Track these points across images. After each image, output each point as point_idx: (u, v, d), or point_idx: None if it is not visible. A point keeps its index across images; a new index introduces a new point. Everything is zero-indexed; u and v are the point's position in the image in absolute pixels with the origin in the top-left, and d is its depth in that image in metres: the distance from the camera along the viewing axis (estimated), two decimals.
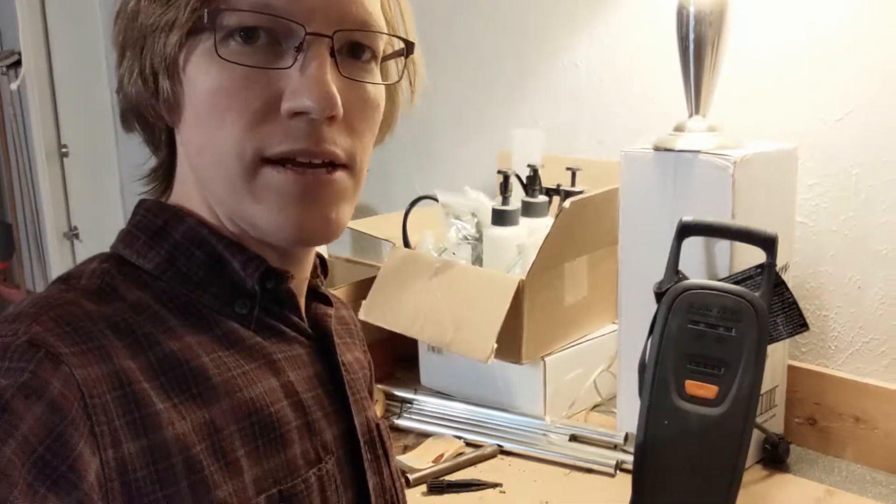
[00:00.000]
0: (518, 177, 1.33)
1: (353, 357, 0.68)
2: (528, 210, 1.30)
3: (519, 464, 1.12)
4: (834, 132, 1.14)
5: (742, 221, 1.00)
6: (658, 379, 0.94)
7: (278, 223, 0.53)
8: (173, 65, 0.53)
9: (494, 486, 1.05)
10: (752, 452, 1.09)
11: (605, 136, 1.43)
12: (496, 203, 1.30)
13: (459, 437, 1.19)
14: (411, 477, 1.06)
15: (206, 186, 0.56)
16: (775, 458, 1.10)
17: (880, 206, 1.11)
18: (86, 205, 2.70)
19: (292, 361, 0.59)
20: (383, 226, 1.41)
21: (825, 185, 1.16)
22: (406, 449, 1.17)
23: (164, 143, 0.60)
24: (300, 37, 0.52)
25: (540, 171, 1.31)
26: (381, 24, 0.56)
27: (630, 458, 1.03)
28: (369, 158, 0.58)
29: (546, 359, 1.23)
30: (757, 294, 0.93)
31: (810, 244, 1.17)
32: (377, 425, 0.66)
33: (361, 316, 1.28)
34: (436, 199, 1.35)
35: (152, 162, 0.62)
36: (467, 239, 1.32)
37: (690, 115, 1.09)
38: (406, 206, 1.35)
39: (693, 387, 0.92)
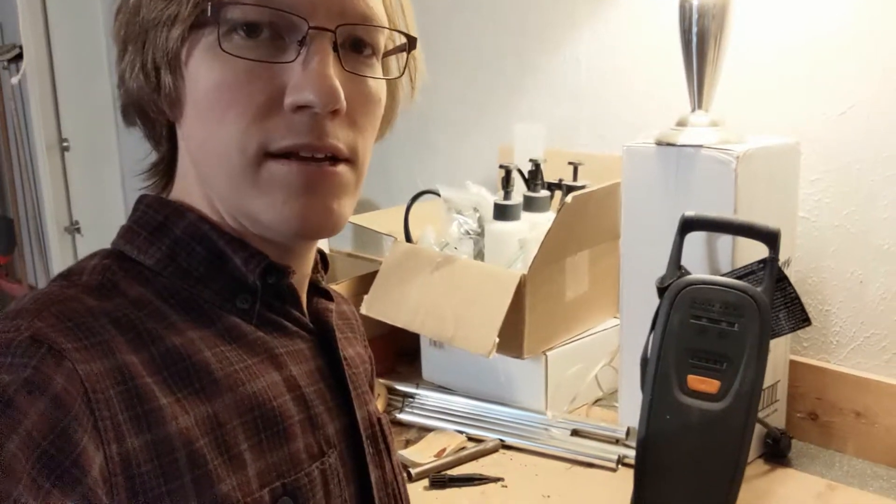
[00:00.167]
0: (520, 171, 1.33)
1: (355, 352, 0.68)
2: (530, 205, 1.30)
3: (521, 458, 1.12)
4: (836, 127, 1.14)
5: (744, 216, 1.00)
6: (660, 374, 0.94)
7: (282, 216, 0.53)
8: (175, 59, 0.53)
9: (496, 480, 1.06)
10: (754, 447, 1.09)
11: (606, 130, 1.43)
12: (498, 198, 1.30)
13: (461, 432, 1.19)
14: (413, 471, 1.06)
15: (207, 182, 0.56)
16: (777, 453, 1.10)
17: (882, 202, 1.11)
18: (87, 199, 2.70)
19: (294, 356, 0.59)
20: (385, 220, 1.41)
21: (827, 180, 1.16)
22: (408, 443, 1.17)
23: (164, 137, 0.60)
24: (303, 31, 0.52)
25: (542, 166, 1.31)
26: (383, 18, 0.56)
27: (632, 452, 1.03)
28: (370, 153, 0.58)
29: (548, 353, 1.23)
30: (759, 289, 0.93)
31: (812, 239, 1.17)
32: (378, 419, 0.66)
33: (363, 310, 1.29)
34: (437, 194, 1.35)
35: (153, 157, 0.62)
36: (469, 233, 1.32)
37: (693, 110, 1.08)
38: (408, 201, 1.35)
39: (695, 381, 0.92)
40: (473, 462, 1.11)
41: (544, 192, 1.32)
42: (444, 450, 1.14)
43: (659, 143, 1.07)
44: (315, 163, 0.53)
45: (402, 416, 1.24)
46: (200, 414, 0.51)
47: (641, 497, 0.94)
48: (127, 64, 0.56)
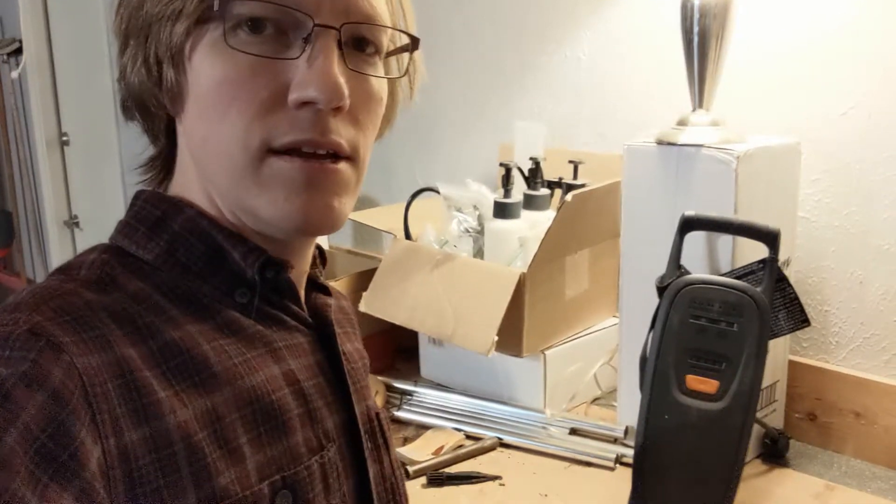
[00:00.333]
0: (520, 169, 1.33)
1: (353, 347, 0.68)
2: (530, 203, 1.30)
3: (519, 457, 1.12)
4: (837, 127, 1.13)
5: (744, 216, 1.00)
6: (659, 373, 0.94)
7: (283, 212, 0.53)
8: (178, 54, 0.53)
9: (494, 478, 1.06)
10: (752, 447, 1.09)
11: (606, 129, 1.42)
12: (498, 196, 1.29)
13: (459, 430, 1.19)
14: (411, 469, 1.06)
15: (207, 177, 0.56)
16: (775, 453, 1.10)
17: (882, 202, 1.11)
18: (86, 193, 2.69)
19: (293, 350, 0.59)
20: (384, 217, 1.41)
21: (827, 180, 1.15)
22: (406, 441, 1.17)
23: (163, 132, 0.60)
24: (308, 28, 0.52)
25: (542, 164, 1.31)
26: (387, 18, 0.56)
27: (630, 451, 1.03)
28: (370, 152, 0.59)
29: (546, 352, 1.23)
30: (759, 289, 0.93)
31: (812, 239, 1.17)
32: (377, 414, 0.66)
33: (362, 307, 1.28)
34: (437, 192, 1.35)
35: (150, 151, 0.62)
36: (469, 231, 1.32)
37: (693, 109, 1.08)
38: (407, 198, 1.35)
39: (694, 381, 0.92)
40: (471, 460, 1.11)
41: (544, 191, 1.32)
42: (441, 447, 1.14)
43: (659, 143, 1.07)
44: (317, 160, 0.53)
45: (401, 414, 1.24)
46: (199, 407, 0.51)
47: (640, 496, 0.94)
48: (129, 58, 0.56)
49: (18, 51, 2.62)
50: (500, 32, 1.55)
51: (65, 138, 2.64)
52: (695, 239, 1.01)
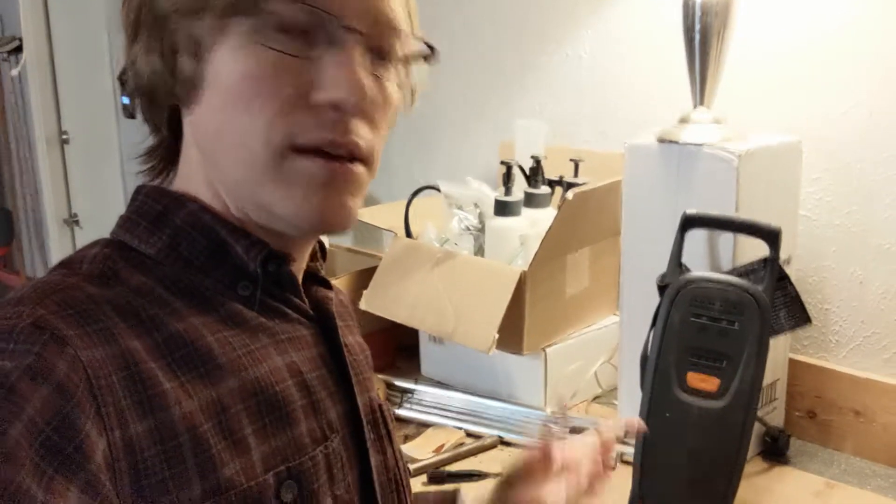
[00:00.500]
0: (521, 167, 1.33)
1: (354, 340, 0.68)
2: (531, 201, 1.30)
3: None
4: (838, 126, 1.14)
5: (745, 214, 1.00)
6: (660, 371, 0.94)
7: (300, 210, 0.54)
8: (199, 45, 0.53)
9: (495, 476, 1.05)
10: (752, 445, 1.09)
11: (607, 127, 1.42)
12: (499, 194, 1.30)
13: (460, 428, 1.19)
14: (412, 467, 1.06)
15: (218, 169, 0.56)
16: (775, 451, 1.10)
17: (883, 201, 1.11)
18: (86, 191, 2.69)
19: (296, 342, 0.59)
20: (385, 215, 1.41)
21: (828, 179, 1.15)
22: (407, 439, 1.17)
23: (166, 123, 0.59)
24: (335, 29, 0.52)
25: (543, 162, 1.31)
26: (406, 24, 0.57)
27: (631, 449, 1.03)
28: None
29: (547, 350, 1.23)
30: (760, 288, 0.93)
31: (813, 238, 1.17)
32: (380, 406, 0.67)
33: (362, 305, 1.29)
34: (438, 190, 1.35)
35: (150, 141, 0.62)
36: (469, 229, 1.32)
37: (695, 107, 1.08)
38: (408, 196, 1.35)
39: (695, 379, 0.92)
40: (472, 458, 1.11)
41: (545, 189, 1.32)
42: (442, 446, 1.14)
43: (661, 141, 1.07)
44: (337, 160, 0.54)
45: (401, 412, 1.24)
46: (204, 398, 0.51)
47: (641, 494, 0.95)
48: (141, 47, 0.55)
49: (18, 49, 2.62)
50: (501, 32, 1.55)
51: (65, 136, 2.63)
52: (696, 237, 1.01)
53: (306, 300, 0.63)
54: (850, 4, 1.11)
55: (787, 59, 1.17)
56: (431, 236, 1.33)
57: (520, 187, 1.31)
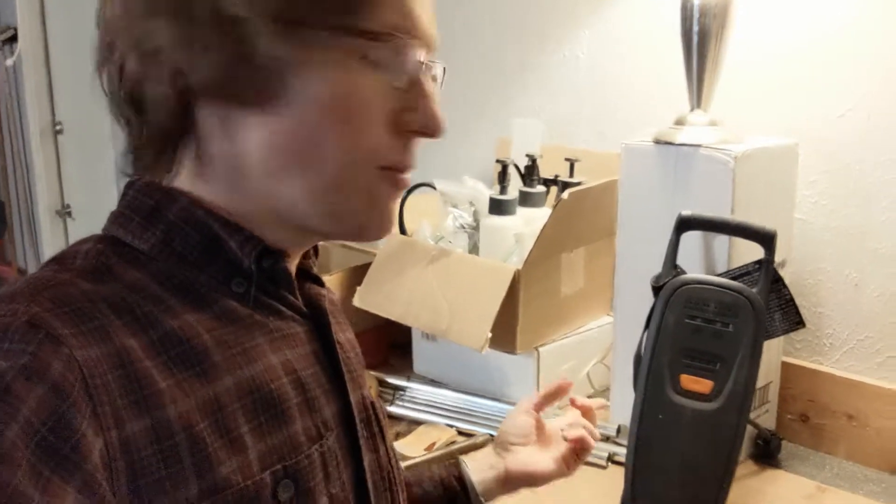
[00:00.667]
0: (516, 166, 1.32)
1: (345, 338, 0.68)
2: (526, 200, 1.30)
3: None
4: (835, 129, 1.13)
5: (741, 216, 1.00)
6: (653, 372, 0.93)
7: (370, 219, 0.58)
8: (287, 56, 0.52)
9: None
10: (744, 447, 1.09)
11: (604, 127, 1.42)
12: (494, 192, 1.29)
13: (452, 426, 1.19)
14: (402, 465, 1.05)
15: (284, 175, 0.55)
16: (767, 454, 1.10)
17: (880, 204, 1.11)
18: (79, 183, 2.68)
19: (290, 339, 0.59)
20: None
21: (825, 181, 1.15)
22: (398, 436, 1.16)
23: (173, 118, 0.55)
24: (422, 60, 0.56)
25: (539, 161, 1.31)
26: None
27: (622, 450, 1.03)
28: None
29: (540, 349, 1.23)
30: (754, 290, 0.93)
31: (808, 241, 1.17)
32: (372, 403, 0.67)
33: (356, 302, 1.28)
34: (433, 187, 1.34)
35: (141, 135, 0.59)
36: (464, 227, 1.32)
37: (692, 109, 1.08)
38: (403, 193, 1.34)
39: (688, 381, 0.92)
40: (463, 456, 1.11)
41: (540, 188, 1.31)
42: (434, 444, 1.13)
43: (657, 142, 1.07)
44: (403, 177, 0.58)
45: (393, 409, 1.24)
46: (200, 397, 0.51)
47: (632, 495, 0.94)
48: (194, 41, 0.52)
49: (13, 38, 2.60)
50: (500, 28, 1.54)
51: (58, 127, 2.62)
52: (691, 238, 1.01)
53: (300, 297, 0.62)
54: (848, 6, 1.10)
55: (785, 62, 1.17)
56: (426, 234, 1.33)
57: (515, 186, 1.30)
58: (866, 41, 1.10)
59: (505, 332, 1.18)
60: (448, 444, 1.13)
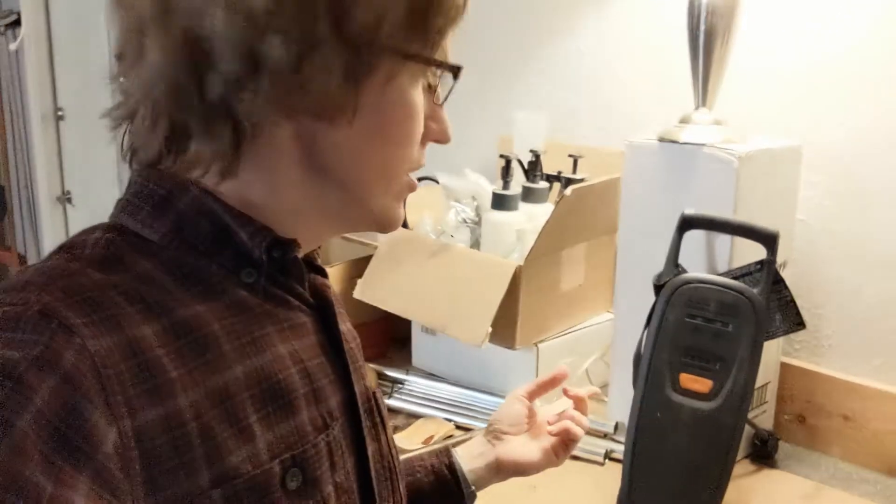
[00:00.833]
0: (519, 162, 1.32)
1: (346, 328, 0.68)
2: (529, 195, 1.30)
3: None
4: (839, 131, 1.13)
5: (744, 217, 1.00)
6: (653, 371, 0.94)
7: (397, 216, 0.63)
8: (362, 71, 0.55)
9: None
10: (741, 447, 1.09)
11: (607, 123, 1.42)
12: (496, 187, 1.29)
13: (450, 420, 1.19)
14: (401, 458, 1.06)
15: (336, 182, 0.58)
16: (764, 454, 1.11)
17: (881, 208, 1.11)
18: (79, 169, 2.67)
19: (297, 330, 0.60)
20: None
21: (827, 183, 1.15)
22: (396, 429, 1.17)
23: (257, 126, 0.55)
24: (448, 78, 0.61)
25: (542, 157, 1.31)
26: None
27: (619, 447, 1.03)
28: None
29: (539, 345, 1.23)
30: (755, 290, 0.93)
31: (809, 242, 1.17)
32: (374, 393, 0.67)
33: (356, 294, 1.28)
34: (436, 181, 1.34)
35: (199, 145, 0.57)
36: (466, 222, 1.32)
37: (696, 108, 1.08)
38: None
39: (687, 380, 0.92)
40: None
41: (543, 184, 1.31)
42: (431, 437, 1.14)
43: (661, 140, 1.07)
44: (415, 178, 0.64)
45: (391, 402, 1.24)
46: (210, 386, 0.51)
47: (629, 492, 0.95)
48: (319, 59, 0.53)
49: (17, 23, 2.59)
50: (504, 21, 1.54)
51: (60, 113, 2.61)
52: (693, 238, 1.01)
53: (307, 288, 0.63)
54: (854, 11, 1.10)
55: (792, 62, 1.17)
56: (428, 228, 1.33)
57: (518, 181, 1.30)
58: (873, 45, 1.09)
59: (504, 328, 1.19)
60: (445, 438, 1.13)
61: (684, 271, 0.98)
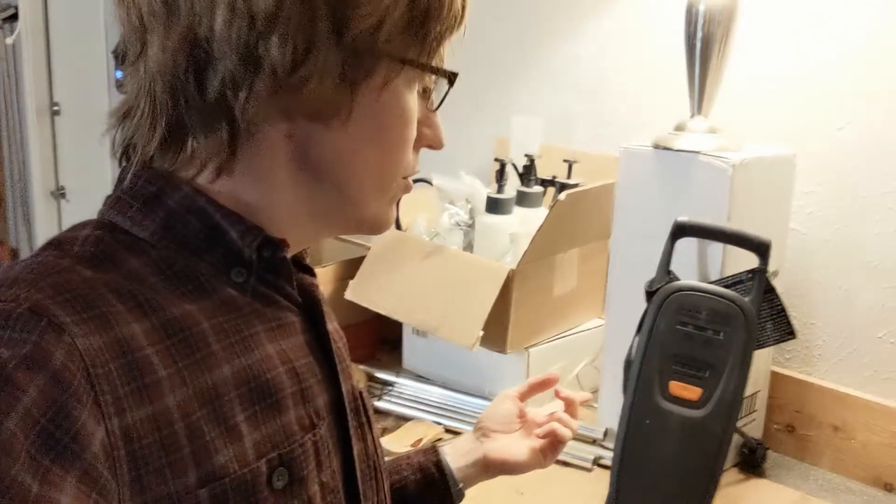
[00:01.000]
0: (514, 165, 1.32)
1: (333, 327, 0.68)
2: (523, 199, 1.30)
3: None
4: (833, 141, 1.13)
5: (737, 225, 1.00)
6: (643, 378, 0.94)
7: (386, 217, 0.63)
8: (358, 75, 0.55)
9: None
10: (730, 456, 1.09)
11: (603, 129, 1.42)
12: (491, 190, 1.29)
13: (439, 423, 1.19)
14: (388, 460, 1.05)
15: (332, 183, 0.58)
16: (752, 463, 1.11)
17: (874, 218, 1.11)
18: (74, 164, 2.67)
19: (286, 329, 0.59)
20: None
21: (821, 193, 1.16)
22: (385, 431, 1.16)
23: (253, 126, 0.55)
24: (443, 84, 0.61)
25: (536, 162, 1.31)
26: None
27: (608, 453, 1.03)
28: None
29: (530, 349, 1.23)
30: (747, 299, 0.93)
31: (802, 251, 1.17)
32: (360, 393, 0.67)
33: (348, 295, 1.28)
34: (430, 183, 1.34)
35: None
36: (460, 225, 1.32)
37: (692, 115, 1.08)
38: None
39: (677, 388, 0.92)
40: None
41: (537, 188, 1.31)
42: (420, 440, 1.13)
43: (656, 147, 1.07)
44: (410, 181, 0.65)
45: (381, 404, 1.23)
46: (198, 385, 0.51)
47: (617, 499, 0.94)
48: (316, 61, 0.53)
49: (14, 17, 2.59)
50: (502, 25, 1.54)
51: (56, 108, 2.61)
52: (686, 245, 1.01)
53: (295, 287, 0.62)
54: (851, 20, 1.10)
55: (787, 72, 1.17)
56: (421, 229, 1.33)
57: (512, 185, 1.30)
58: (869, 55, 1.10)
59: (496, 331, 1.18)
60: (435, 441, 1.13)
61: (676, 278, 0.98)
